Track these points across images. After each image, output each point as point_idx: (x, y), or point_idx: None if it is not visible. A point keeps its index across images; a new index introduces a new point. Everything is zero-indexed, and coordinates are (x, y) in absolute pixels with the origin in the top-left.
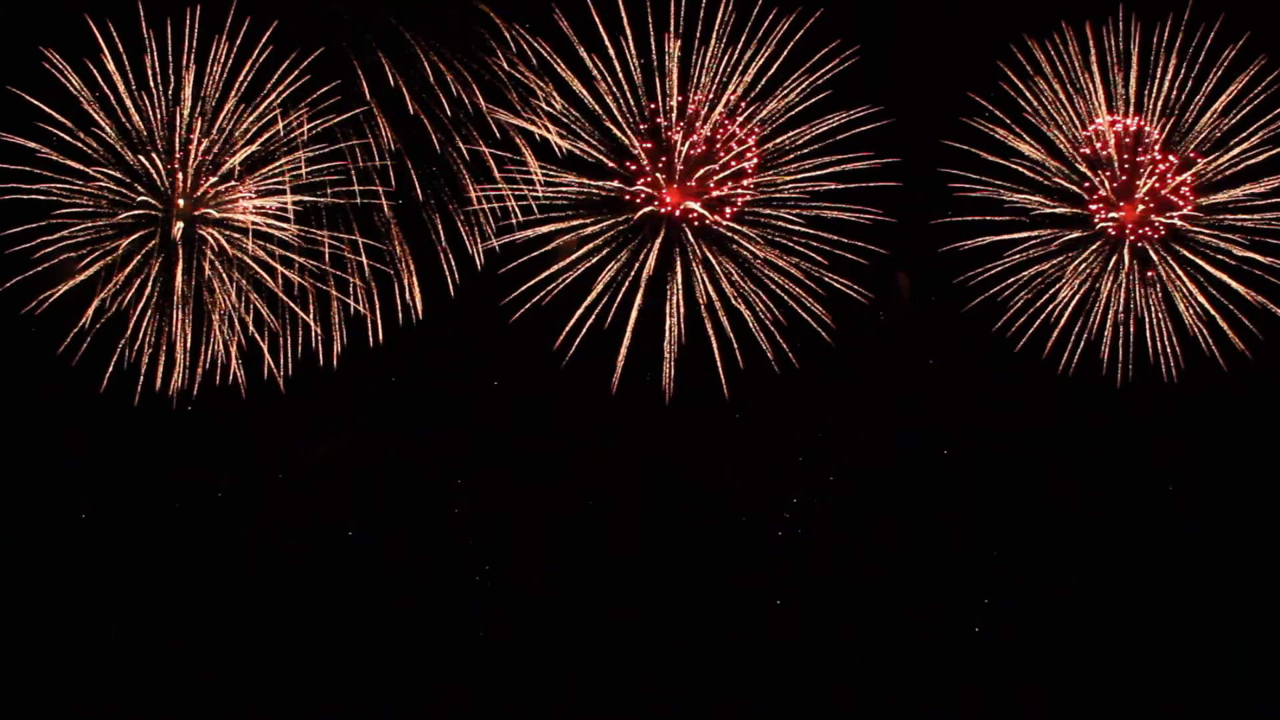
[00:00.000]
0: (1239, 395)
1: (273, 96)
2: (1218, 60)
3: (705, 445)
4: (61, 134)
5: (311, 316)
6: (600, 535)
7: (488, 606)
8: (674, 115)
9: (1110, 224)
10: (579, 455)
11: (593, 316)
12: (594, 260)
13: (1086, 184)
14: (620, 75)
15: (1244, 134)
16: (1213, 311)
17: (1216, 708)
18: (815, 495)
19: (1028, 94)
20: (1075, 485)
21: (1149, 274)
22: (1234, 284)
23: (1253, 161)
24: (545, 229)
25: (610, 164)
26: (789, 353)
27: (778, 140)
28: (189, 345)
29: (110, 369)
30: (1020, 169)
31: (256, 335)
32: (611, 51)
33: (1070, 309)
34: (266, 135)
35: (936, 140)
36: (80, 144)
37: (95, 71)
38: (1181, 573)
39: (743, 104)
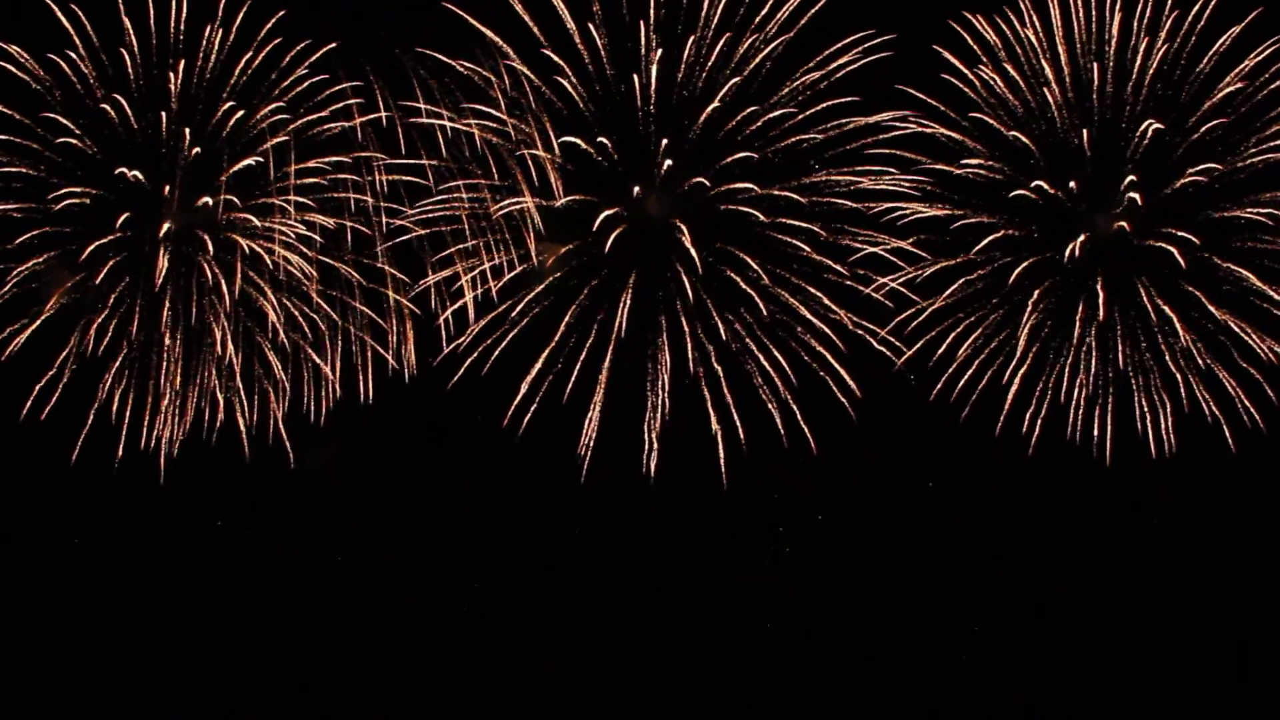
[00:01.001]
0: (1248, 482)
1: (270, 106)
2: (1217, 40)
3: (695, 524)
4: (24, 141)
5: (309, 343)
6: (593, 545)
7: (483, 615)
8: (653, 109)
9: (1082, 247)
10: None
11: (548, 381)
12: (544, 305)
13: (1051, 201)
14: (585, 55)
15: (1253, 130)
16: (1216, 368)
17: None
18: (803, 521)
19: (977, 84)
20: (1068, 497)
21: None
22: (1246, 333)
23: (1264, 165)
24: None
25: (570, 168)
26: (805, 430)
27: (786, 143)
28: (178, 397)
29: (86, 429)
30: (967, 177)
31: (266, 381)
32: (572, 26)
33: (1028, 364)
34: (266, 145)
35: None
36: (47, 153)
37: (66, 68)
38: (1174, 585)
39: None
